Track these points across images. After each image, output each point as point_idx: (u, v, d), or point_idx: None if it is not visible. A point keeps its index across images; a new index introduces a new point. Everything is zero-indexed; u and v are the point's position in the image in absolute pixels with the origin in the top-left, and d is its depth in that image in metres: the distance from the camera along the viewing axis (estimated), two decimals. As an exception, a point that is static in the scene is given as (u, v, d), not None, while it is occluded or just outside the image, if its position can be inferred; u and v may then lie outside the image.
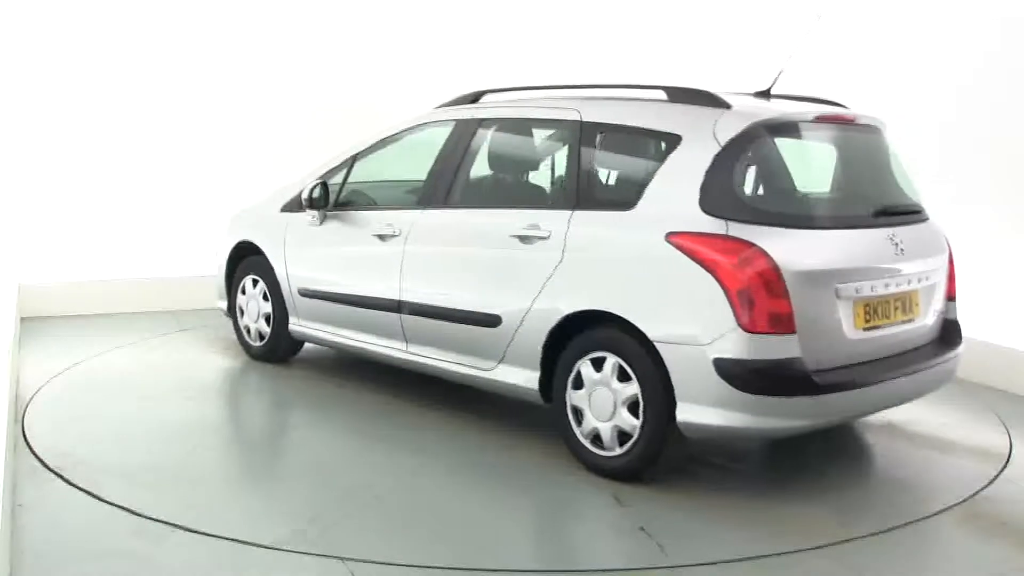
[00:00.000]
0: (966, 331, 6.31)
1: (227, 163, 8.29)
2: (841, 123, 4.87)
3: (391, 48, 8.75)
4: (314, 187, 5.83)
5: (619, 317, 4.30)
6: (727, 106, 4.43)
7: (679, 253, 4.15)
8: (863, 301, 4.32)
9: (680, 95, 4.60)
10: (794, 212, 4.46)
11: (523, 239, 4.73)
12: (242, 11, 8.31)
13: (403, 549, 3.70)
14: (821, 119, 4.75)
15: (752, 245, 4.05)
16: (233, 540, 3.75)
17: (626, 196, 4.49)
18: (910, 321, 4.58)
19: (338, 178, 5.92)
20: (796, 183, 4.78)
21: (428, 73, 8.68)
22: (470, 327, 4.95)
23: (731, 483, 4.56)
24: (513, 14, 9.11)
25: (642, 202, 4.39)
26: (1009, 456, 4.90)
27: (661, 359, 4.16)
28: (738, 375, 4.01)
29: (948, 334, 4.93)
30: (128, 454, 4.68)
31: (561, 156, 5.06)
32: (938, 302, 4.81)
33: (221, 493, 4.26)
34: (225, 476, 4.43)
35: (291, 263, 6.11)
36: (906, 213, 4.82)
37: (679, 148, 4.38)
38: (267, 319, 6.36)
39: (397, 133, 5.79)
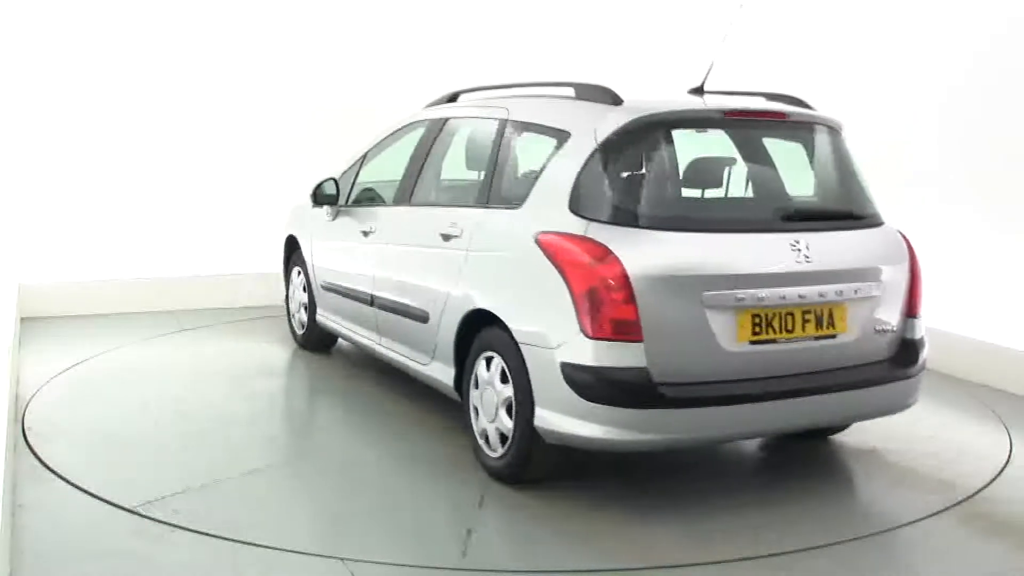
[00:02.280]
0: (966, 331, 6.35)
1: (227, 163, 8.29)
2: (760, 119, 4.60)
3: (391, 48, 8.74)
4: (322, 183, 6.02)
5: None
6: (618, 102, 4.28)
7: (542, 254, 4.05)
8: (750, 311, 3.98)
9: (584, 91, 4.48)
10: (666, 214, 4.14)
11: (445, 237, 4.78)
12: (242, 12, 8.31)
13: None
14: (733, 115, 4.47)
15: (602, 247, 3.88)
16: (233, 540, 3.75)
17: (519, 194, 4.44)
18: (829, 337, 4.18)
19: (350, 175, 6.09)
20: (684, 182, 4.61)
21: (428, 73, 8.67)
22: (411, 322, 5.06)
23: (660, 492, 4.34)
24: (512, 13, 9.11)
25: (527, 201, 4.34)
26: (1009, 456, 4.90)
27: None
28: (581, 382, 3.85)
29: (903, 355, 4.45)
30: (128, 454, 4.68)
31: (489, 154, 5.00)
32: (884, 318, 4.36)
33: (221, 493, 4.25)
34: (225, 476, 4.42)
35: (315, 256, 6.38)
36: (828, 218, 4.49)
37: (564, 145, 4.29)
38: (306, 309, 6.59)
39: (396, 132, 5.93)
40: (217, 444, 4.86)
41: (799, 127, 4.66)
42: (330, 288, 6.14)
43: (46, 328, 7.17)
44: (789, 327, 4.08)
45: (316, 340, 6.60)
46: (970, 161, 6.56)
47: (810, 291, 4.10)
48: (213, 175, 8.25)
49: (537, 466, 4.22)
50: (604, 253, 3.87)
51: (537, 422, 4.03)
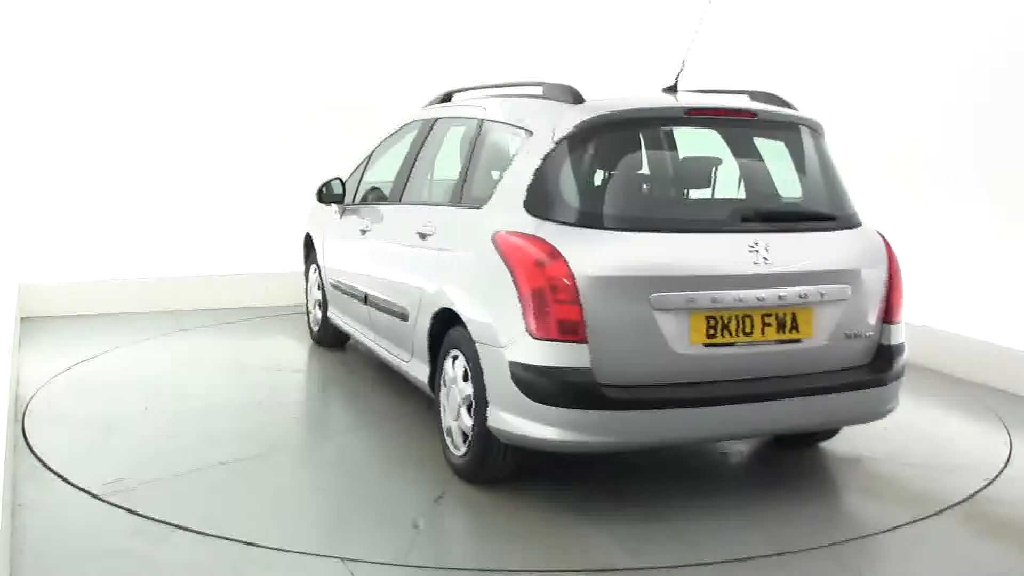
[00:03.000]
0: (966, 331, 6.35)
1: (227, 163, 8.29)
2: (724, 117, 4.52)
3: (391, 48, 8.75)
4: (327, 182, 6.06)
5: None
6: (578, 101, 4.25)
7: (497, 253, 4.04)
8: (703, 313, 3.91)
9: (550, 91, 4.44)
10: (618, 214, 4.09)
11: (421, 236, 4.83)
12: (242, 12, 8.31)
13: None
14: (694, 113, 4.43)
15: (549, 247, 3.86)
16: (233, 540, 3.75)
17: (486, 193, 4.44)
18: (793, 342, 4.07)
19: (357, 174, 6.17)
20: (645, 181, 4.60)
21: (428, 72, 8.67)
22: (395, 319, 5.11)
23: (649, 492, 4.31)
24: (513, 12, 9.11)
25: (491, 200, 4.35)
26: (1009, 456, 4.90)
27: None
28: (527, 381, 3.84)
29: (878, 361, 4.34)
30: (128, 454, 4.68)
31: (465, 154, 5.01)
32: (856, 323, 4.23)
33: (221, 493, 4.25)
34: (225, 476, 4.42)
35: (326, 254, 6.47)
36: (794, 219, 4.40)
37: (525, 144, 4.28)
38: (320, 306, 6.69)
39: (396, 131, 6.00)
40: (218, 443, 4.85)
41: (771, 126, 4.59)
42: (336, 286, 6.24)
43: (46, 328, 7.17)
44: (747, 330, 3.99)
45: (330, 337, 6.66)
46: (970, 161, 6.56)
47: (769, 293, 4.00)
48: (213, 175, 8.25)
49: (494, 466, 4.20)
50: (551, 253, 3.85)
51: (489, 421, 4.04)
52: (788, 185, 4.62)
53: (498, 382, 3.96)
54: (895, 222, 7.04)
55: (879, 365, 4.32)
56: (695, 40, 4.96)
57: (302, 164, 8.20)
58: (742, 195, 4.67)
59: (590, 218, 4.00)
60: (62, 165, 7.85)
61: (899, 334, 4.42)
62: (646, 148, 4.71)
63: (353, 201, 6.07)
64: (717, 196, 4.65)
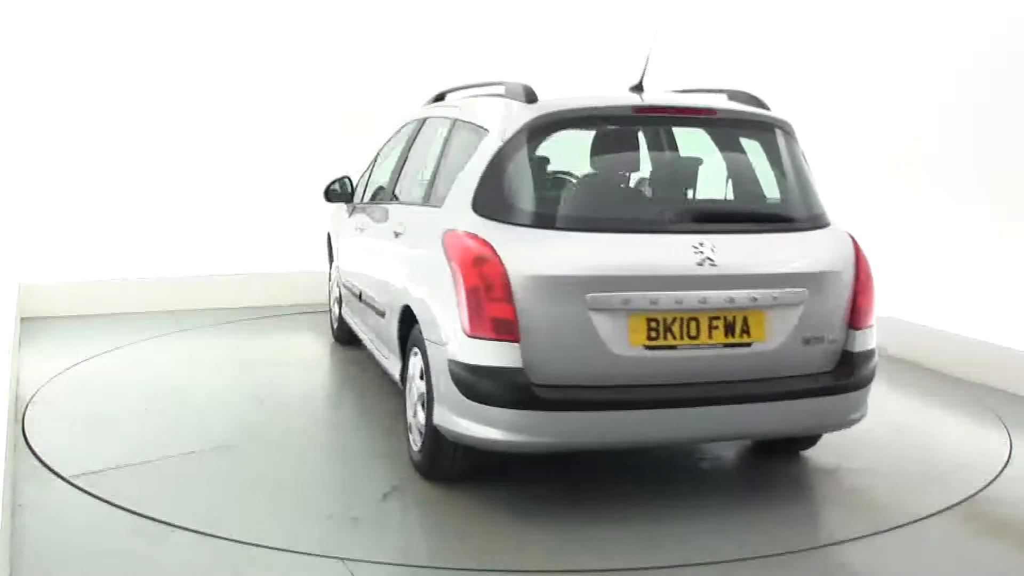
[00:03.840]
0: (966, 331, 6.35)
1: (227, 163, 8.29)
2: (677, 116, 4.48)
3: (391, 48, 8.74)
4: (334, 181, 6.09)
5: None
6: (531, 100, 4.24)
7: (443, 253, 4.06)
8: (643, 315, 3.84)
9: (509, 90, 4.42)
10: (558, 213, 4.09)
11: (395, 234, 4.91)
12: (242, 12, 8.31)
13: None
14: (642, 111, 4.39)
15: (486, 246, 3.87)
16: (233, 540, 3.75)
17: (446, 192, 4.45)
18: (743, 346, 3.96)
19: (366, 173, 6.24)
20: (580, 180, 4.57)
21: (428, 72, 8.67)
22: (377, 316, 5.18)
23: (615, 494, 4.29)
24: (512, 12, 9.11)
25: (447, 199, 4.36)
26: (1009, 456, 4.89)
27: None
28: (463, 379, 3.85)
29: (842, 368, 4.18)
30: (128, 454, 4.67)
31: (437, 153, 5.01)
32: (816, 328, 4.09)
33: (221, 493, 4.26)
34: (225, 476, 4.43)
35: (339, 253, 6.57)
36: (748, 220, 4.31)
37: (479, 144, 4.29)
38: (338, 303, 6.75)
39: (398, 131, 6.05)
40: (218, 444, 4.85)
41: (732, 125, 4.54)
42: (344, 284, 6.35)
43: (46, 328, 7.17)
44: (692, 333, 3.89)
45: (347, 335, 6.68)
46: (970, 161, 6.56)
47: (714, 296, 3.90)
48: (213, 175, 8.25)
49: (446, 463, 4.21)
50: (487, 252, 3.86)
51: (435, 419, 4.06)
52: (748, 185, 4.55)
53: (441, 380, 3.98)
54: (895, 222, 7.06)
55: (842, 372, 4.17)
56: (656, 38, 4.91)
57: (302, 164, 8.20)
58: (693, 194, 4.63)
59: (531, 217, 3.99)
60: (62, 165, 7.85)
61: (867, 340, 4.25)
62: (594, 147, 4.68)
63: (361, 200, 6.14)
64: (666, 195, 4.59)
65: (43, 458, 4.55)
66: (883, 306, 6.92)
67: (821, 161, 7.73)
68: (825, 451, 4.90)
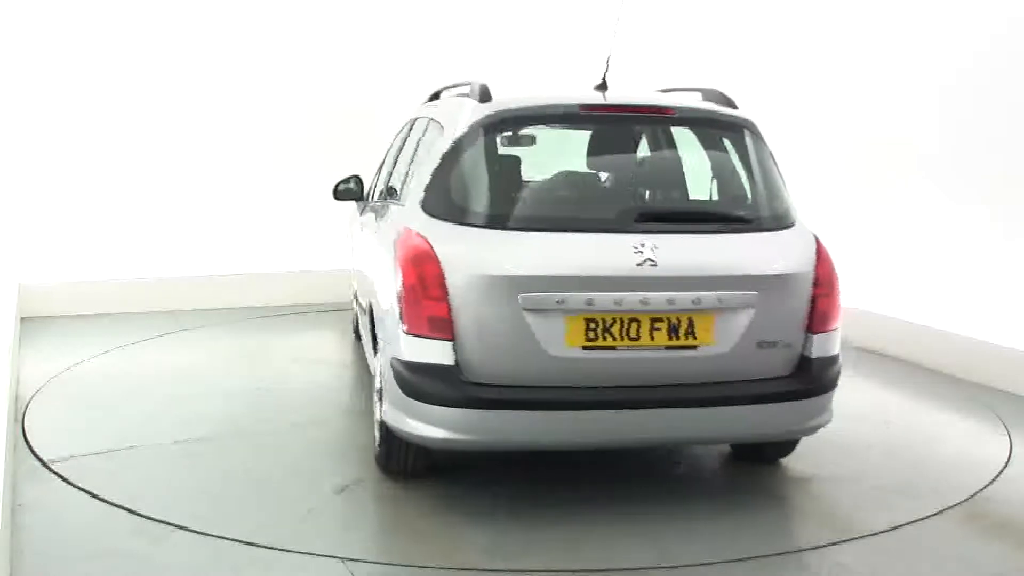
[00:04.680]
0: (966, 331, 6.34)
1: (227, 163, 8.29)
2: (630, 114, 4.46)
3: (391, 48, 8.74)
4: (343, 180, 6.10)
5: None
6: (484, 99, 4.27)
7: (392, 252, 4.12)
8: (581, 316, 3.79)
9: (472, 90, 4.44)
10: (498, 212, 4.05)
11: (375, 232, 4.99)
12: (242, 11, 8.31)
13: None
14: (588, 109, 4.36)
15: (425, 244, 3.89)
16: (233, 540, 3.75)
17: (409, 191, 4.47)
18: (689, 348, 3.88)
19: (377, 173, 6.23)
20: (527, 178, 4.58)
21: (428, 72, 8.67)
22: (364, 315, 5.23)
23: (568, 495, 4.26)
24: (512, 12, 9.10)
25: (407, 198, 4.39)
26: (1009, 456, 4.90)
27: None
28: (401, 376, 3.89)
29: (800, 374, 4.06)
30: (128, 454, 4.68)
31: (413, 152, 5.03)
32: (770, 332, 3.97)
33: (221, 493, 4.26)
34: (225, 476, 4.43)
35: (351, 250, 6.57)
36: (696, 220, 4.24)
37: (435, 143, 4.35)
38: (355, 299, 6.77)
39: (400, 130, 6.06)
40: (217, 443, 4.85)
41: (690, 124, 4.50)
42: (353, 281, 6.42)
43: (46, 328, 7.17)
44: (633, 334, 3.82)
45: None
46: (970, 161, 6.56)
47: (656, 297, 3.81)
48: (213, 175, 8.25)
49: (400, 459, 4.24)
50: (426, 251, 3.88)
51: (384, 415, 4.10)
52: (702, 184, 4.52)
53: (387, 377, 4.04)
54: (895, 222, 7.06)
55: (800, 377, 4.05)
56: (616, 37, 4.86)
57: (302, 164, 8.20)
58: (640, 193, 4.60)
59: (472, 216, 4.00)
60: (62, 165, 7.84)
61: (828, 345, 4.12)
62: (532, 145, 4.72)
63: (369, 198, 6.15)
64: (611, 195, 4.56)
65: (43, 458, 4.55)
66: (882, 307, 6.99)
67: (821, 161, 7.76)
68: (824, 450, 4.89)
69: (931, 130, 6.83)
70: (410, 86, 8.34)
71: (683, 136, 4.66)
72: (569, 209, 4.29)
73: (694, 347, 3.88)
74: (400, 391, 3.90)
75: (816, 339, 4.06)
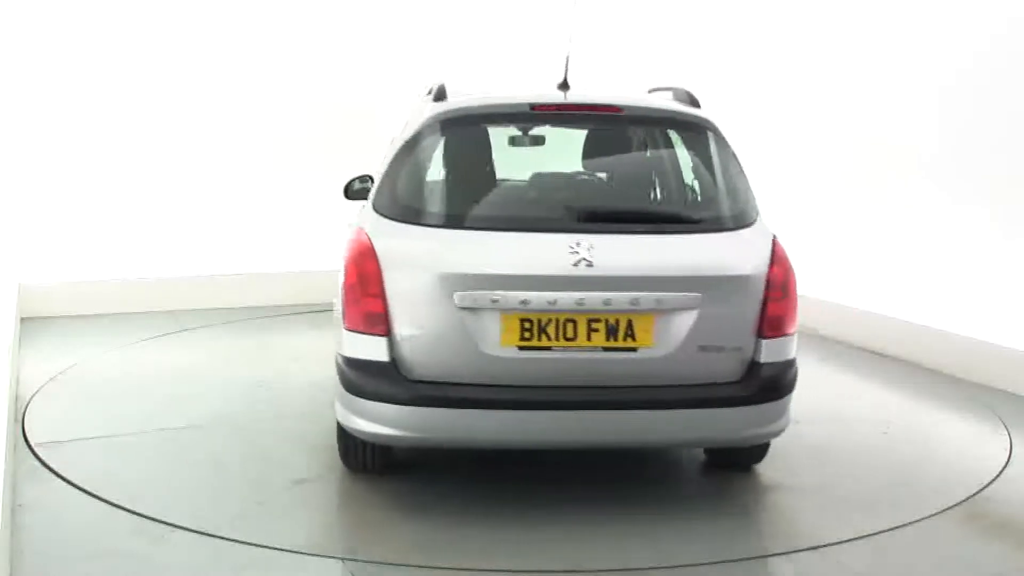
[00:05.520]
0: (966, 331, 6.34)
1: (227, 163, 8.28)
2: (581, 113, 4.43)
3: (391, 48, 8.74)
4: (355, 179, 6.04)
5: None
6: (439, 99, 4.30)
7: (344, 250, 4.15)
8: (517, 315, 3.77)
9: (434, 90, 4.46)
10: (438, 211, 4.13)
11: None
12: (242, 11, 8.30)
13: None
14: (539, 108, 4.36)
15: (366, 242, 3.93)
16: (233, 540, 3.75)
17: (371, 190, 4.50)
18: (628, 350, 3.82)
19: None
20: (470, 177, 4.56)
21: (428, 73, 8.67)
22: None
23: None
24: (513, 11, 9.10)
25: (371, 197, 4.40)
26: (1009, 456, 4.90)
27: None
28: (342, 373, 3.97)
29: (747, 379, 3.93)
30: (128, 454, 4.69)
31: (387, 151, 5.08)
32: (715, 335, 3.87)
33: (221, 493, 4.26)
34: (225, 476, 4.43)
35: None
36: (639, 220, 4.15)
37: (394, 143, 4.37)
38: None
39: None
40: (217, 443, 4.86)
41: (642, 123, 4.50)
42: None
43: (46, 328, 7.17)
44: (569, 335, 3.79)
45: None
46: (970, 161, 6.56)
47: (591, 298, 3.77)
48: (213, 175, 8.24)
49: (355, 454, 4.28)
50: (367, 248, 3.92)
51: (336, 411, 4.12)
52: (650, 184, 4.49)
53: (335, 373, 4.08)
54: (895, 222, 7.06)
55: (748, 383, 3.94)
56: (572, 37, 4.80)
57: (302, 164, 8.19)
58: (583, 193, 4.60)
59: (413, 215, 4.04)
60: (62, 165, 7.83)
61: (779, 350, 3.99)
62: (487, 145, 4.67)
63: None
64: (552, 194, 4.54)
65: (43, 458, 4.55)
66: (882, 307, 6.99)
67: (821, 161, 7.76)
68: (814, 448, 4.90)
69: (931, 130, 6.83)
70: (411, 86, 8.36)
71: (637, 135, 4.65)
72: (509, 208, 4.31)
73: (633, 349, 3.83)
74: (342, 387, 3.96)
75: (766, 344, 3.94)
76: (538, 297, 3.76)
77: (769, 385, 3.95)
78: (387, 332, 3.82)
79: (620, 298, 3.78)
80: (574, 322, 3.79)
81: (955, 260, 6.57)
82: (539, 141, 5.35)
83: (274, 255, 8.26)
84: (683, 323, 3.83)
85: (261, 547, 3.71)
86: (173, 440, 4.91)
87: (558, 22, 9.18)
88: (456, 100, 4.30)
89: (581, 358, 3.82)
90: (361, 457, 4.28)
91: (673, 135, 4.48)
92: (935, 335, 6.55)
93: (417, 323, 3.83)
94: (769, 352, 3.95)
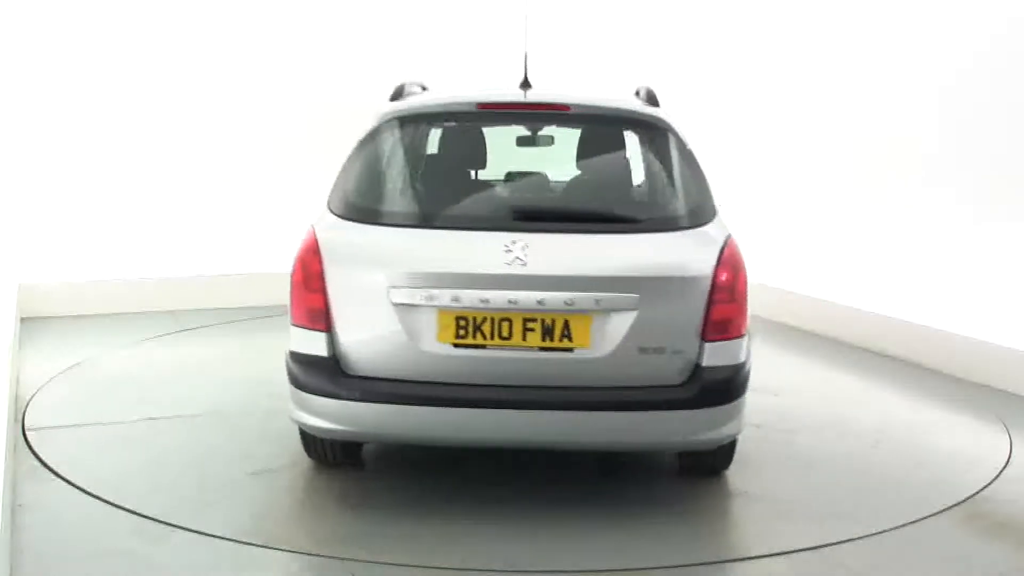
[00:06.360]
0: (966, 331, 6.34)
1: (227, 163, 8.29)
2: (526, 112, 4.45)
3: (391, 48, 8.74)
4: None
5: None
6: (394, 99, 4.37)
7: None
8: (452, 313, 3.80)
9: (395, 91, 4.53)
10: (377, 208, 4.16)
11: None
12: (242, 11, 8.31)
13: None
14: (485, 107, 4.37)
15: (312, 240, 4.01)
16: (233, 540, 3.75)
17: None
18: (564, 351, 3.79)
19: None
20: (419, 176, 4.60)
21: (428, 73, 8.67)
22: None
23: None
24: (513, 11, 9.11)
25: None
26: (1009, 456, 4.90)
27: None
28: (288, 367, 4.04)
29: (691, 383, 3.85)
30: (128, 453, 4.69)
31: None
32: (655, 337, 3.80)
33: (221, 493, 4.26)
34: (225, 476, 4.43)
35: None
36: (573, 219, 4.09)
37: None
38: None
39: None
40: (217, 443, 4.86)
41: (591, 121, 4.49)
42: None
43: (46, 328, 7.17)
44: (504, 334, 3.79)
45: None
46: (971, 161, 6.56)
47: (525, 297, 3.76)
48: (213, 175, 8.24)
49: (314, 447, 4.35)
50: (312, 245, 3.99)
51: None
52: (594, 183, 4.47)
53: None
54: (894, 222, 7.06)
55: (689, 387, 3.86)
56: (527, 35, 4.86)
57: (303, 164, 8.19)
58: (523, 192, 4.61)
59: (357, 213, 4.10)
60: (62, 165, 7.83)
61: (724, 354, 3.90)
62: (431, 144, 4.71)
63: None
64: (492, 193, 4.54)
65: (43, 458, 4.55)
66: (882, 307, 6.99)
67: (821, 161, 7.76)
68: (821, 448, 4.90)
69: (931, 130, 6.83)
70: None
71: (594, 134, 4.64)
72: (449, 207, 4.30)
73: (569, 349, 3.80)
74: (289, 381, 4.03)
75: (709, 347, 3.86)
76: (470, 295, 3.79)
77: (712, 389, 3.86)
78: (328, 328, 3.90)
79: (554, 298, 3.77)
80: (509, 321, 3.81)
81: (955, 260, 6.57)
82: (548, 141, 5.33)
83: (274, 255, 8.25)
84: (621, 324, 3.80)
85: (261, 547, 3.71)
86: (174, 440, 4.91)
87: (557, 22, 9.19)
88: (409, 100, 4.38)
89: (517, 357, 3.83)
90: (320, 450, 4.36)
91: (624, 134, 4.47)
92: (935, 335, 6.55)
93: (357, 320, 3.91)
94: (713, 355, 3.87)
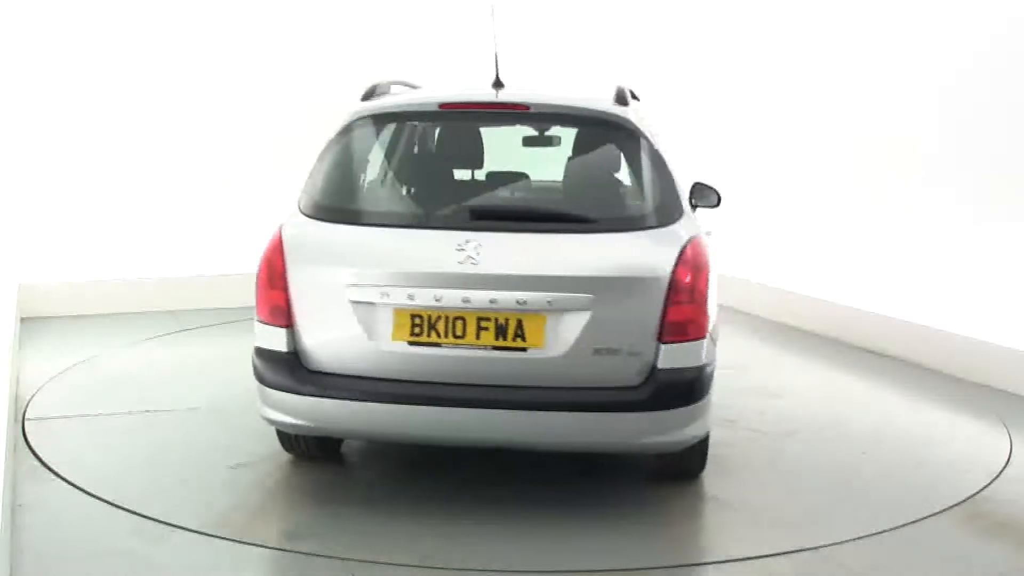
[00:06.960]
0: (966, 331, 6.34)
1: (227, 163, 8.28)
2: (489, 111, 4.47)
3: (391, 48, 8.74)
4: None
5: None
6: (365, 98, 4.43)
7: None
8: (407, 311, 3.83)
9: (367, 91, 4.55)
10: (337, 207, 4.21)
11: None
12: (241, 11, 8.30)
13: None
14: (447, 107, 4.39)
15: (277, 238, 4.08)
16: (233, 540, 3.75)
17: None
18: (518, 350, 3.78)
19: None
20: (381, 175, 4.67)
21: (428, 73, 8.67)
22: None
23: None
24: (514, 12, 9.10)
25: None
26: (1009, 456, 4.89)
27: None
28: (253, 362, 4.10)
29: (646, 385, 3.80)
30: (128, 454, 4.69)
31: None
32: (610, 338, 3.77)
33: (221, 493, 4.26)
34: (225, 475, 4.43)
35: None
36: (527, 219, 4.13)
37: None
38: None
39: None
40: (217, 443, 4.85)
41: (552, 121, 4.60)
42: None
43: (46, 328, 7.17)
44: (458, 333, 3.82)
45: None
46: (971, 161, 6.56)
47: (477, 296, 3.78)
48: (213, 174, 8.24)
49: (289, 442, 4.41)
50: (276, 243, 4.07)
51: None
52: (561, 182, 4.48)
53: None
54: (894, 222, 7.06)
55: (644, 389, 3.81)
56: (496, 36, 4.82)
57: (302, 164, 8.15)
58: (480, 191, 4.65)
59: (319, 211, 4.17)
60: (62, 165, 7.83)
61: (682, 356, 3.84)
62: (395, 143, 4.75)
63: None
64: (447, 192, 4.53)
65: (43, 458, 4.55)
66: (882, 306, 6.99)
67: (821, 161, 7.76)
68: (818, 446, 4.90)
69: (931, 130, 6.82)
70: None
71: (561, 134, 4.72)
72: (405, 206, 4.46)
73: (523, 349, 3.80)
74: (254, 376, 4.09)
75: (666, 349, 3.81)
76: (424, 294, 3.83)
77: (669, 391, 3.82)
78: (290, 324, 3.97)
79: (506, 298, 3.78)
80: (463, 320, 3.83)
81: (955, 260, 6.57)
82: (554, 142, 5.31)
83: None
84: (575, 324, 3.78)
85: (260, 547, 3.71)
86: (176, 441, 4.90)
87: (558, 23, 9.20)
88: (379, 100, 4.41)
89: (471, 356, 3.84)
90: (296, 444, 4.41)
91: (585, 133, 4.44)
92: (935, 335, 6.55)
93: (317, 317, 3.96)
94: (669, 357, 3.82)
